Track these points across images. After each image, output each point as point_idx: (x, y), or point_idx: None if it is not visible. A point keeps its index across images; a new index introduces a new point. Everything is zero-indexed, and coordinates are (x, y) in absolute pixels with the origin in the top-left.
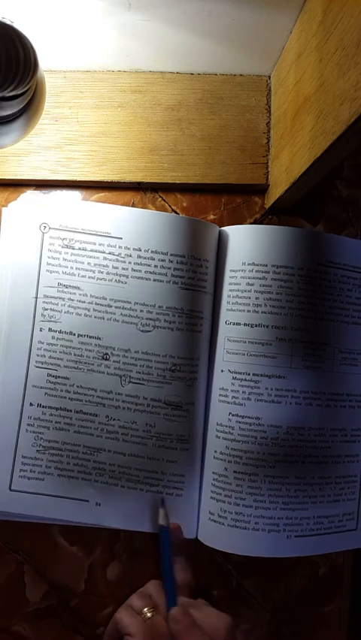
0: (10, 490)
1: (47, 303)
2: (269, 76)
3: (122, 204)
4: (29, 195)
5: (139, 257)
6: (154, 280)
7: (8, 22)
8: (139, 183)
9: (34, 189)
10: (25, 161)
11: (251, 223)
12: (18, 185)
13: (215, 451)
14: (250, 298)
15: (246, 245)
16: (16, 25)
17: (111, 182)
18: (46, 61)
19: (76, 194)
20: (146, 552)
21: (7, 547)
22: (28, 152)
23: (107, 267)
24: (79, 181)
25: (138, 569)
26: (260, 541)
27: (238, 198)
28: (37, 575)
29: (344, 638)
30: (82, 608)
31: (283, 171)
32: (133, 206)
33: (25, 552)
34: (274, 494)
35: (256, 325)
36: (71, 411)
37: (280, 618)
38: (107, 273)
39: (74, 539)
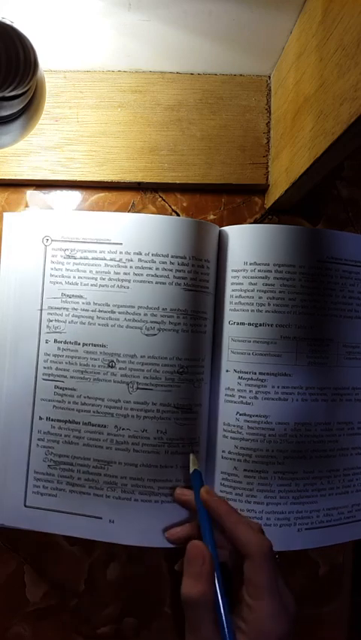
0: (25, 506)
1: (51, 314)
2: (269, 77)
3: (122, 204)
4: (31, 209)
5: (140, 260)
6: (156, 283)
7: (8, 22)
8: (139, 183)
9: (34, 189)
10: (25, 161)
11: (251, 223)
12: (18, 185)
13: (223, 451)
14: (253, 298)
15: (247, 244)
16: (16, 25)
17: (111, 182)
18: (46, 61)
19: (76, 195)
20: (146, 552)
21: (7, 547)
22: (28, 152)
23: (109, 273)
24: (79, 181)
25: (139, 569)
26: (272, 536)
27: (238, 198)
28: (37, 575)
29: (344, 638)
30: (82, 608)
31: (283, 171)
32: (133, 206)
33: (25, 552)
34: (284, 490)
35: (260, 324)
36: (79, 423)
37: None
38: (109, 279)
39: (74, 539)
